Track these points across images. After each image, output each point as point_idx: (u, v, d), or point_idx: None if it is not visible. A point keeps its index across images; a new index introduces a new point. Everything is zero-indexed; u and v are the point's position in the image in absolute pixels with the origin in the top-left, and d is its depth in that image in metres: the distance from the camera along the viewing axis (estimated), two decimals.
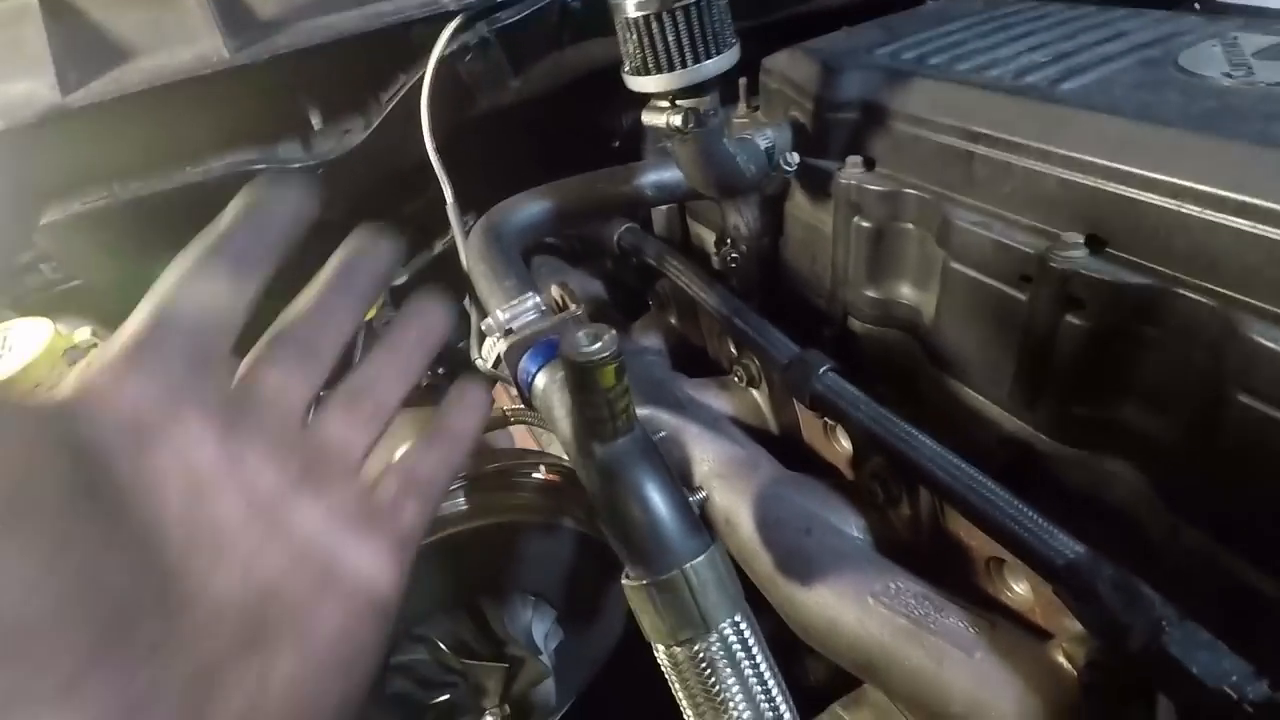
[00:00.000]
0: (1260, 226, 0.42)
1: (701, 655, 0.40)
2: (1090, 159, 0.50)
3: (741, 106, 0.82)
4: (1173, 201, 0.46)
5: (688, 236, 1.00)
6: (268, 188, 0.35)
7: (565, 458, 0.74)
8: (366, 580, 0.32)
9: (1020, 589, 0.61)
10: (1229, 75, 0.51)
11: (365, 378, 0.37)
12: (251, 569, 0.29)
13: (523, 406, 0.64)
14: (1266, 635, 0.47)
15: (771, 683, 0.41)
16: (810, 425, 0.80)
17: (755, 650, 0.41)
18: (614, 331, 0.40)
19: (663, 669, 0.43)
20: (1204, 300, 0.45)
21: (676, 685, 0.42)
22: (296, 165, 0.72)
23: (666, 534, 0.41)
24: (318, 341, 0.35)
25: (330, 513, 0.32)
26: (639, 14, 0.54)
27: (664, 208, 1.01)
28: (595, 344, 0.39)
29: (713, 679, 0.40)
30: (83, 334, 0.66)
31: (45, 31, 0.61)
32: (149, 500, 0.27)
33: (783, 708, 0.41)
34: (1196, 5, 0.94)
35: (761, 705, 0.41)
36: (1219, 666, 0.43)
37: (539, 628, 0.68)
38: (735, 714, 0.40)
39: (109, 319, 0.78)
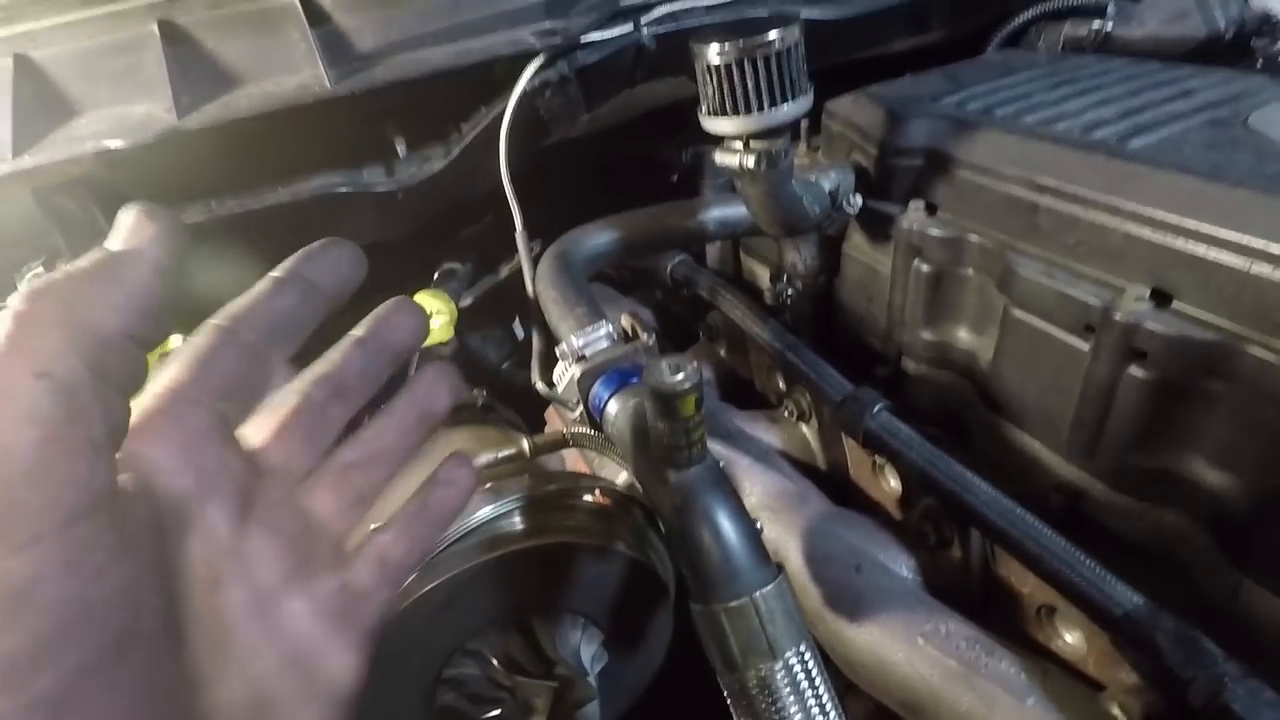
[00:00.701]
0: None
1: (768, 682, 0.41)
2: (1159, 215, 0.51)
3: (802, 147, 0.85)
4: (1241, 260, 0.47)
5: (740, 270, 1.02)
6: (315, 257, 0.35)
7: (618, 483, 0.76)
8: (340, 681, 0.31)
9: (1071, 639, 0.61)
10: None
11: (361, 452, 0.36)
12: (248, 671, 0.28)
13: (582, 430, 0.66)
14: None
15: (834, 713, 0.42)
16: (859, 463, 0.81)
17: (819, 680, 0.42)
18: (695, 363, 0.42)
19: (726, 695, 0.44)
20: (1271, 359, 0.46)
21: (740, 712, 0.43)
22: (380, 189, 0.76)
23: (738, 561, 0.42)
24: (330, 414, 0.34)
25: (316, 609, 0.31)
26: (720, 61, 0.57)
27: (717, 241, 1.03)
28: (679, 374, 0.41)
29: (777, 706, 0.41)
30: (175, 340, 0.70)
31: (163, 57, 0.66)
32: (186, 592, 0.26)
33: None
34: (1260, 62, 0.95)
35: None
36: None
37: (587, 650, 0.70)
38: None
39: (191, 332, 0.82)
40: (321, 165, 0.75)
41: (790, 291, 0.85)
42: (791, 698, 0.41)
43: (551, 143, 0.87)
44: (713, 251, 1.06)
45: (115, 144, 0.61)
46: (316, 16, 0.69)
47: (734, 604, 0.41)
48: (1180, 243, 0.50)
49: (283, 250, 0.77)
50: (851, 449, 0.82)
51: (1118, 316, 0.52)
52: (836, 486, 0.83)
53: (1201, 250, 0.49)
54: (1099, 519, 0.60)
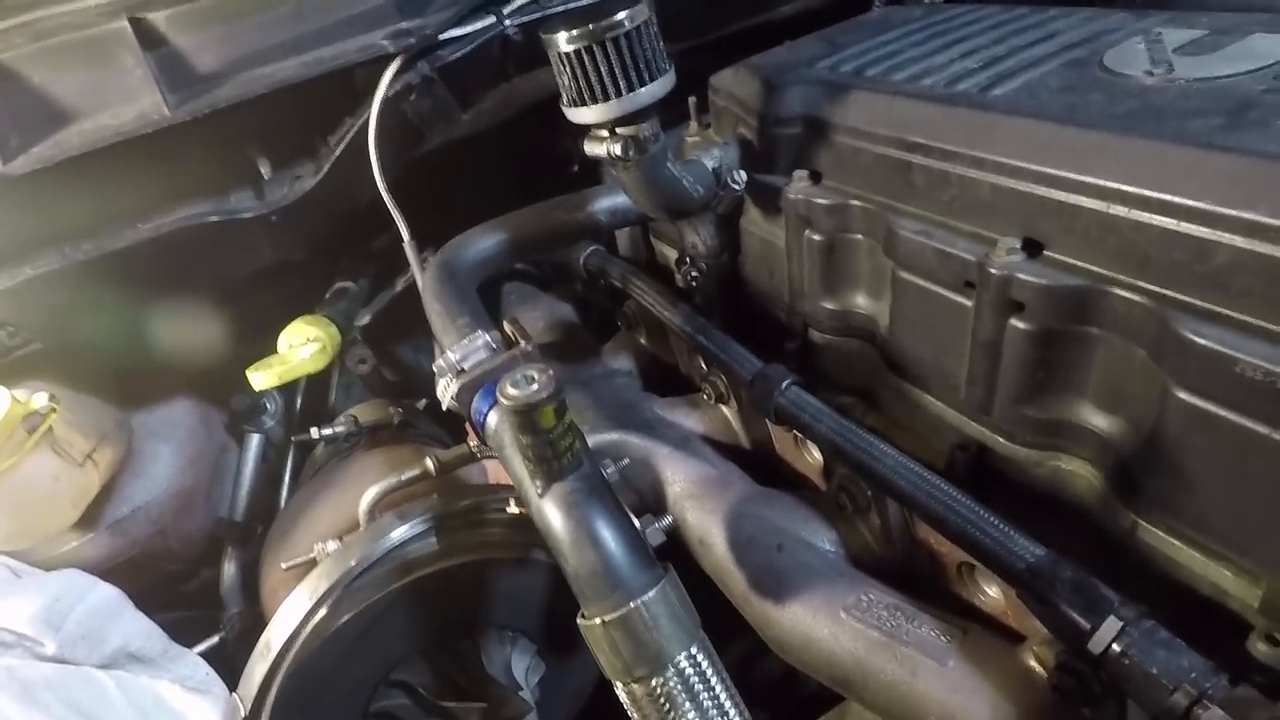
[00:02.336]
0: (1183, 224, 0.42)
1: (659, 691, 0.40)
2: (1020, 164, 0.50)
3: (693, 125, 0.83)
4: (1100, 203, 0.46)
5: (653, 255, 1.01)
6: None
7: None
8: None
9: (993, 592, 0.61)
10: (1150, 73, 0.52)
11: None
12: None
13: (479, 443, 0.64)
14: (1223, 627, 0.47)
15: (734, 713, 0.41)
16: (782, 438, 0.80)
17: (714, 681, 0.41)
18: (551, 372, 0.40)
19: (625, 705, 0.43)
20: (1138, 299, 0.46)
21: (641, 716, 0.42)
22: (250, 214, 0.72)
23: (616, 570, 0.41)
24: None
25: None
26: (571, 48, 0.55)
27: (628, 228, 1.01)
28: (531, 385, 0.39)
29: (672, 714, 0.40)
30: (40, 399, 0.66)
31: None
32: None
33: None
34: None
35: None
36: (1177, 664, 0.43)
37: (519, 663, 0.68)
38: None
39: (69, 379, 0.78)
40: (184, 196, 0.71)
41: (695, 273, 0.83)
42: (687, 704, 0.40)
43: (440, 145, 0.84)
44: (623, 239, 1.04)
45: None
46: (150, 40, 0.64)
47: (616, 614, 0.40)
48: (1043, 190, 0.49)
49: (157, 288, 0.74)
50: (772, 427, 0.81)
51: (993, 270, 0.51)
52: (763, 463, 0.83)
53: (1063, 196, 0.48)
54: (1003, 472, 0.60)
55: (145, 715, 0.65)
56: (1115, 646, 0.44)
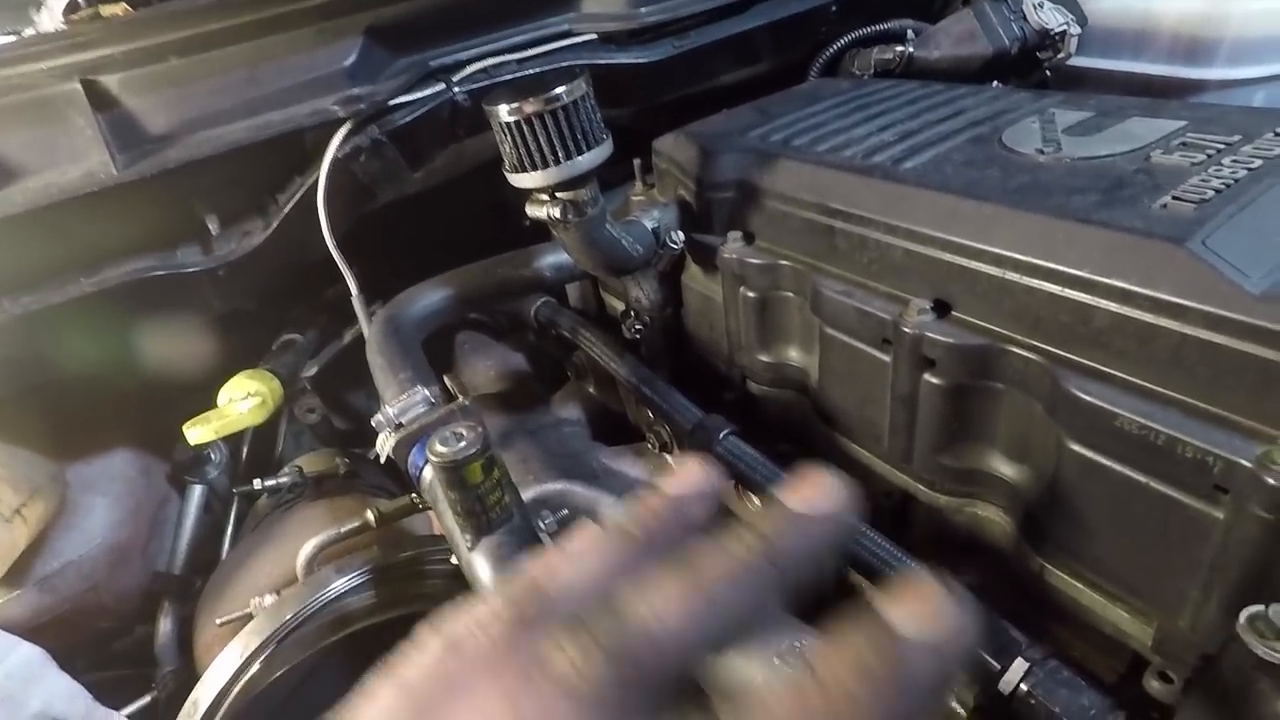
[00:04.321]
0: (1067, 289, 0.46)
1: None
2: (928, 231, 0.54)
3: (639, 185, 0.87)
4: (997, 269, 0.50)
5: (602, 307, 1.03)
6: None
7: None
8: None
9: None
10: (1041, 151, 0.57)
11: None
12: None
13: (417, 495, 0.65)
14: (1124, 665, 0.50)
15: None
16: (724, 488, 0.82)
17: None
18: (480, 428, 0.42)
19: None
20: (1033, 356, 0.49)
21: None
22: (196, 268, 0.73)
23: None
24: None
25: None
26: (511, 119, 0.58)
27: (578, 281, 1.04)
28: (459, 443, 0.41)
29: None
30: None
31: None
32: None
33: None
34: (1048, 73, 1.03)
35: None
36: (1078, 702, 0.45)
37: None
38: None
39: (1, 431, 0.76)
40: (130, 251, 0.71)
41: (640, 326, 0.86)
42: None
43: (391, 201, 0.86)
44: (573, 290, 1.07)
45: None
46: (101, 101, 0.66)
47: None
48: (949, 256, 0.53)
49: (99, 342, 0.74)
50: None
51: (906, 329, 0.55)
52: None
53: (965, 262, 0.52)
54: (925, 518, 0.62)
55: None
56: (1023, 686, 0.46)
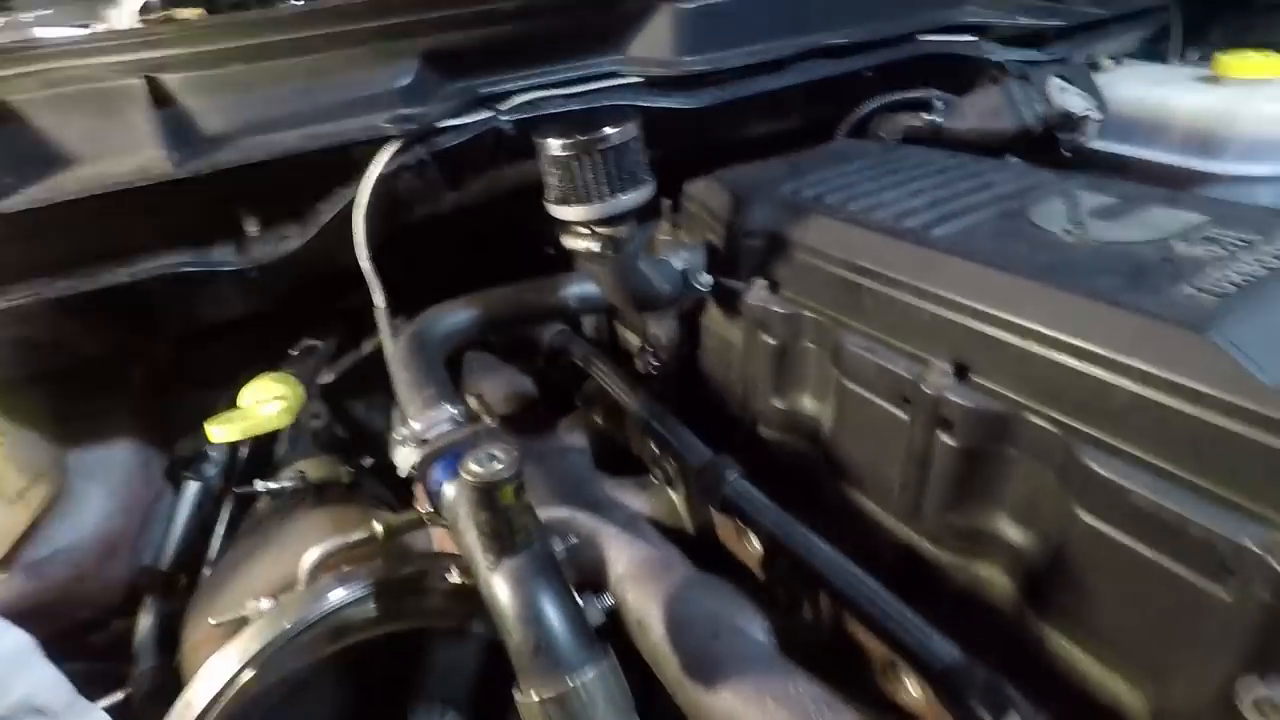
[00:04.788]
0: (1088, 365, 0.48)
1: None
2: (954, 297, 0.56)
3: (665, 225, 0.89)
4: (1020, 339, 0.52)
5: (615, 340, 1.05)
6: None
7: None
8: None
9: (914, 690, 0.64)
10: (1068, 231, 0.59)
11: None
12: None
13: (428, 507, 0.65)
14: None
15: None
16: (724, 525, 0.83)
17: None
18: (516, 453, 0.43)
19: None
20: (1049, 426, 0.51)
21: None
22: (230, 267, 0.74)
23: (558, 649, 0.43)
24: None
25: None
26: (562, 154, 0.60)
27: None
28: (496, 465, 0.42)
29: None
30: None
31: None
32: None
33: None
34: (1067, 154, 1.07)
35: None
36: None
37: None
38: None
39: (11, 412, 0.76)
40: (166, 245, 0.73)
41: (656, 362, 0.87)
42: None
43: (422, 218, 0.88)
44: (589, 321, 1.09)
45: None
46: (162, 99, 0.68)
47: (554, 694, 0.42)
48: (973, 323, 0.55)
49: (122, 331, 0.74)
50: (716, 515, 0.84)
51: (926, 389, 0.57)
52: (705, 548, 0.85)
53: (989, 330, 0.54)
54: (929, 574, 0.63)
55: None
56: None
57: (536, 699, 0.42)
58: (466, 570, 0.72)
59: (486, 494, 0.42)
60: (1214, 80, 1.12)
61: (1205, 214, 0.58)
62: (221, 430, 0.81)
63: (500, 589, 0.44)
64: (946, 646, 0.54)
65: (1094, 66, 1.27)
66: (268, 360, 0.98)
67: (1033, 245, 0.58)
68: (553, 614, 0.43)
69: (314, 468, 0.95)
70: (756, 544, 0.78)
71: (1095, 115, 1.00)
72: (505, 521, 0.43)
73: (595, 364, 0.95)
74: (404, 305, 0.83)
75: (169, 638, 0.93)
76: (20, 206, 0.61)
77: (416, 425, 0.57)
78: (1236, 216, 0.58)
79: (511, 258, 1.02)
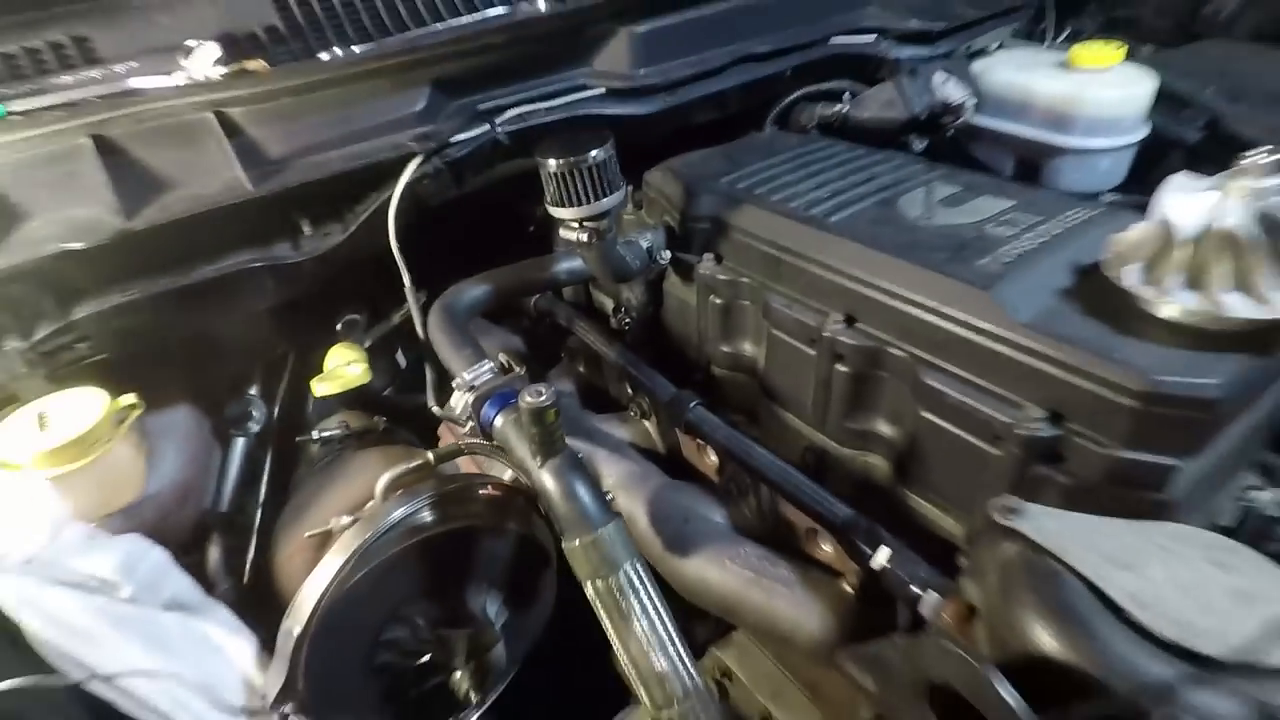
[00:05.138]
0: (923, 314, 0.73)
1: (614, 585, 0.65)
2: (843, 268, 0.80)
3: (630, 207, 1.10)
4: (886, 298, 0.76)
5: (590, 302, 1.27)
6: None
7: (505, 479, 0.98)
8: None
9: (827, 548, 0.90)
10: (923, 217, 0.83)
11: None
12: None
13: (473, 440, 0.87)
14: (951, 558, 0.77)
15: (658, 601, 0.67)
16: (688, 445, 1.07)
17: (648, 582, 0.67)
18: (554, 388, 0.66)
19: (590, 600, 0.67)
20: (905, 356, 0.76)
21: (599, 607, 0.66)
22: (287, 260, 0.93)
23: (590, 513, 0.66)
24: None
25: None
26: (557, 170, 0.81)
27: None
28: (541, 396, 0.64)
29: (622, 600, 0.65)
30: (128, 398, 0.84)
31: (100, 166, 0.80)
32: None
33: (665, 618, 0.67)
34: (949, 133, 1.31)
35: (652, 616, 0.66)
36: (918, 574, 0.72)
37: (491, 607, 0.91)
38: (638, 623, 0.65)
39: (118, 384, 0.94)
40: (238, 245, 0.91)
41: (628, 320, 1.10)
42: (630, 594, 0.66)
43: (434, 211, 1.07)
44: (569, 288, 1.30)
45: (76, 245, 0.76)
46: (231, 129, 0.85)
47: (590, 539, 0.65)
48: (856, 286, 0.79)
49: (204, 316, 0.94)
50: (681, 436, 1.08)
51: (825, 334, 0.81)
52: (673, 464, 1.09)
53: (865, 291, 0.78)
54: (833, 465, 0.89)
55: (198, 647, 0.83)
56: (886, 564, 0.73)
57: (579, 544, 0.65)
58: (495, 485, 0.94)
59: (539, 415, 0.64)
60: (1067, 67, 1.37)
61: (1015, 199, 0.83)
62: (324, 386, 1.00)
63: (549, 479, 0.67)
64: (843, 509, 0.79)
65: (981, 52, 1.51)
66: (311, 335, 1.16)
67: (896, 228, 0.82)
68: (583, 491, 0.67)
69: (353, 419, 1.15)
70: (712, 456, 1.03)
71: (969, 103, 1.24)
72: (549, 434, 0.66)
73: (577, 323, 1.17)
74: (424, 283, 1.03)
75: (236, 566, 1.14)
76: (143, 225, 0.79)
77: (466, 376, 0.79)
78: (1036, 202, 0.83)
79: (502, 235, 1.22)
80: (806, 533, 0.91)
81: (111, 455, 0.83)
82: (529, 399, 0.64)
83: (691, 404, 0.96)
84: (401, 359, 1.39)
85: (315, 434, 1.09)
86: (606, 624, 0.67)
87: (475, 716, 0.90)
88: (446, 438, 1.13)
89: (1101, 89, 1.32)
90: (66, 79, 0.85)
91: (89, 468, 0.80)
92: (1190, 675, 0.48)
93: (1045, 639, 0.53)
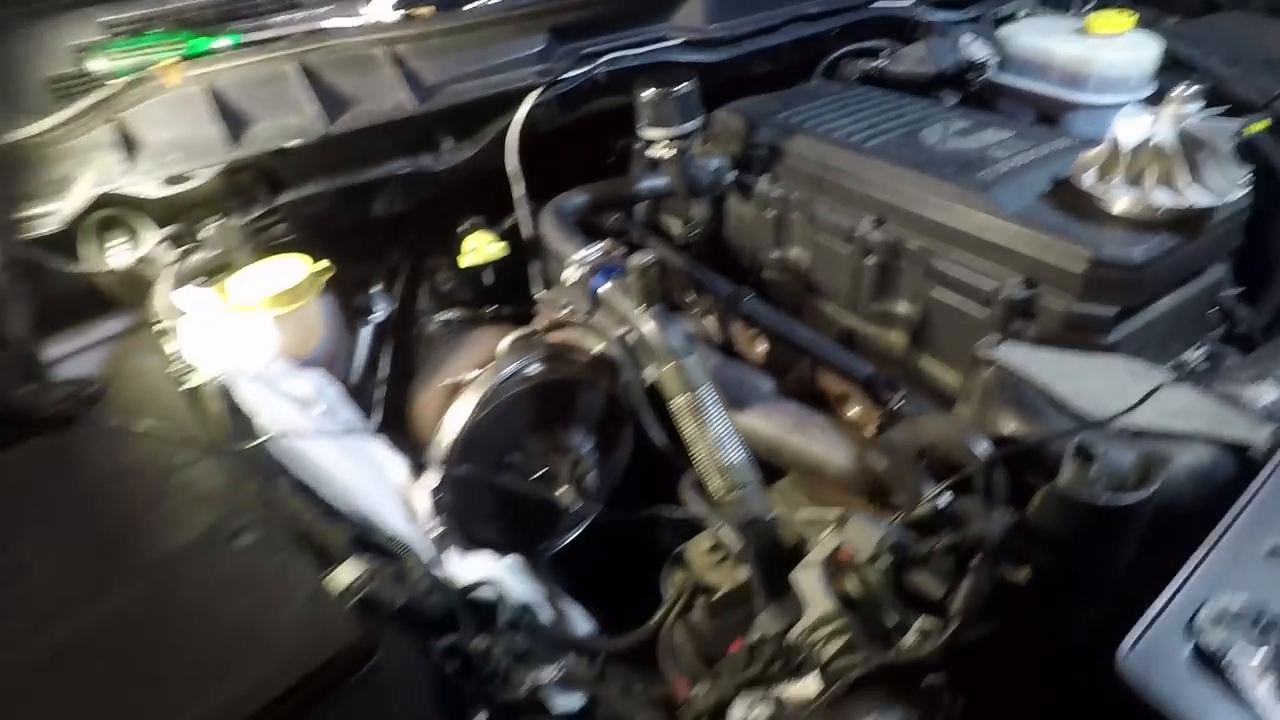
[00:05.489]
0: (936, 213, 0.95)
1: (694, 400, 0.89)
2: (875, 180, 1.02)
3: (698, 140, 1.33)
4: (906, 203, 0.99)
5: (657, 221, 1.50)
6: None
7: (596, 349, 1.22)
8: None
9: (854, 411, 1.13)
10: (939, 144, 1.05)
11: None
12: None
13: (571, 318, 1.12)
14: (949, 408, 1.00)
15: (724, 414, 0.91)
16: (739, 338, 1.31)
17: (717, 399, 0.91)
18: (653, 254, 0.89)
19: (676, 412, 0.91)
20: (920, 246, 0.98)
21: (683, 417, 0.91)
22: (431, 169, 1.18)
23: (680, 346, 0.90)
24: None
25: None
26: (654, 97, 1.04)
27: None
28: (648, 258, 0.88)
29: (700, 411, 0.90)
30: (321, 265, 1.09)
31: (305, 85, 1.05)
32: None
33: (730, 428, 0.91)
34: (973, 87, 1.51)
35: (721, 424, 0.90)
36: (923, 409, 0.95)
37: (584, 446, 1.16)
38: (711, 429, 0.90)
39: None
40: (394, 153, 1.16)
41: (694, 232, 1.33)
42: (706, 407, 0.90)
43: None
44: (639, 209, 1.53)
45: (293, 143, 1.01)
46: (398, 60, 1.09)
47: (678, 363, 0.89)
48: (884, 195, 1.02)
49: (364, 210, 1.19)
50: (736, 331, 1.32)
51: (859, 233, 1.04)
52: (729, 353, 1.33)
53: (891, 199, 1.01)
54: (862, 342, 1.12)
55: (370, 459, 1.10)
56: (900, 404, 0.96)
57: (671, 368, 0.89)
58: (587, 352, 1.19)
59: (645, 270, 0.88)
60: (1083, 32, 1.56)
61: (1012, 131, 1.05)
62: (469, 258, 1.25)
63: (649, 321, 0.91)
64: (868, 367, 1.02)
65: (1010, 18, 1.69)
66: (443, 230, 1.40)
67: (917, 151, 1.04)
68: (674, 330, 0.91)
69: (462, 309, 1.41)
70: (760, 346, 1.27)
71: (992, 62, 1.44)
72: (651, 287, 0.90)
73: (649, 237, 1.40)
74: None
75: None
76: (343, 130, 1.04)
77: (577, 255, 1.03)
78: (1030, 134, 1.04)
79: (585, 165, 1.45)
80: (837, 398, 1.15)
81: (309, 307, 1.09)
82: (638, 260, 0.88)
83: (747, 296, 1.19)
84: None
85: (438, 318, 1.34)
86: (688, 430, 0.91)
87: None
88: (542, 317, 1.38)
89: (1113, 52, 1.51)
90: (279, 19, 1.09)
91: (295, 314, 1.06)
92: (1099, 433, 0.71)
93: (1010, 424, 0.76)
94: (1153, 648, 0.46)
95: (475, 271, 1.57)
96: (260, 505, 0.76)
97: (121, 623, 0.38)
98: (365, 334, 1.49)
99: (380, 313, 1.50)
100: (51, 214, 0.97)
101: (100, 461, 0.82)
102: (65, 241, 1.00)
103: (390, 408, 1.40)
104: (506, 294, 1.47)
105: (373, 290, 1.49)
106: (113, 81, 1.00)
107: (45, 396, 0.85)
